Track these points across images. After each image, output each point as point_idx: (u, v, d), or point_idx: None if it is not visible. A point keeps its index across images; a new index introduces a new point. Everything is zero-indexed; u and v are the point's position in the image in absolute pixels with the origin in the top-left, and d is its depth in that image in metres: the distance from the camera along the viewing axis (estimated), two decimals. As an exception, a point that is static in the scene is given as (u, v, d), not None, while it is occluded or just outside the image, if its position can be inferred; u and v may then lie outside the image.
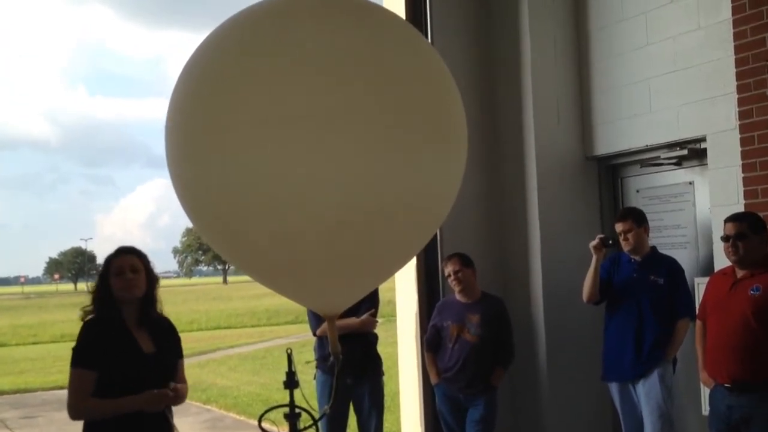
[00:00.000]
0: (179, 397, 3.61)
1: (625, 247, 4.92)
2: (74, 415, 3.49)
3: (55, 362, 19.31)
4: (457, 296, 5.27)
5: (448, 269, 5.25)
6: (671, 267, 4.91)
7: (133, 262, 3.56)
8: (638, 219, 4.94)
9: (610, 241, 5.01)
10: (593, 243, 4.99)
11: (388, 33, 2.58)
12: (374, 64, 2.39)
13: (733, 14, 4.67)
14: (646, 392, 4.80)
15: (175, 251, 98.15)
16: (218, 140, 2.38)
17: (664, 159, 5.33)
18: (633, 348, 4.85)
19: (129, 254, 3.60)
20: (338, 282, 2.70)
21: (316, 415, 3.21)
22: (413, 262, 5.84)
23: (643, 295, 4.86)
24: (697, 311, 4.56)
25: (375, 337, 5.34)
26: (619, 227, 4.94)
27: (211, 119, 2.40)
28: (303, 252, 2.50)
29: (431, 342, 5.35)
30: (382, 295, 5.38)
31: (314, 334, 5.18)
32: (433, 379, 5.36)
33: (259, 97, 2.31)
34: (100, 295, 3.57)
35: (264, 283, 2.94)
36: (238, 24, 2.55)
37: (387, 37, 2.55)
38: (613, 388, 5.02)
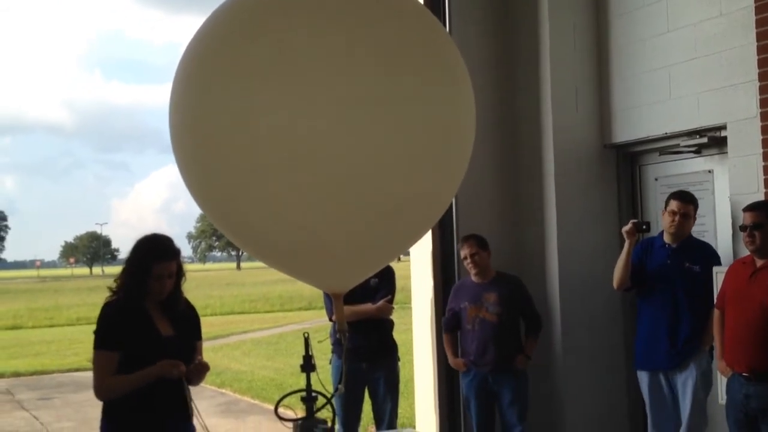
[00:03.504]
0: (203, 369, 3.64)
1: (671, 228, 4.80)
2: (100, 395, 3.54)
3: (71, 345, 19.50)
4: (473, 278, 5.28)
5: (465, 251, 5.26)
6: (707, 253, 4.82)
7: (171, 269, 3.58)
8: (697, 206, 4.86)
9: (644, 227, 4.96)
10: (626, 228, 4.92)
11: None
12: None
13: (755, 1, 4.61)
14: (683, 383, 4.73)
15: (190, 237, 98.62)
16: (220, 105, 2.38)
17: (684, 147, 5.29)
18: (667, 338, 4.77)
19: (170, 261, 3.58)
20: (347, 259, 2.70)
21: (333, 401, 3.24)
22: (428, 248, 5.86)
23: (678, 283, 4.77)
24: (715, 300, 4.53)
25: (391, 323, 5.36)
26: (678, 206, 4.79)
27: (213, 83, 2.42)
28: (310, 228, 2.50)
29: (449, 324, 5.37)
30: (397, 283, 5.40)
31: (330, 319, 5.20)
32: (451, 361, 5.38)
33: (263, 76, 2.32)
34: (132, 286, 3.57)
35: (269, 262, 2.95)
36: None
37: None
38: (643, 377, 4.93)
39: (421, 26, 2.63)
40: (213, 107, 2.42)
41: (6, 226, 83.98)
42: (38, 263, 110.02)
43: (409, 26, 2.56)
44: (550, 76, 5.67)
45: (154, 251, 3.57)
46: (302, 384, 3.17)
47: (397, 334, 5.44)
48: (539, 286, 5.54)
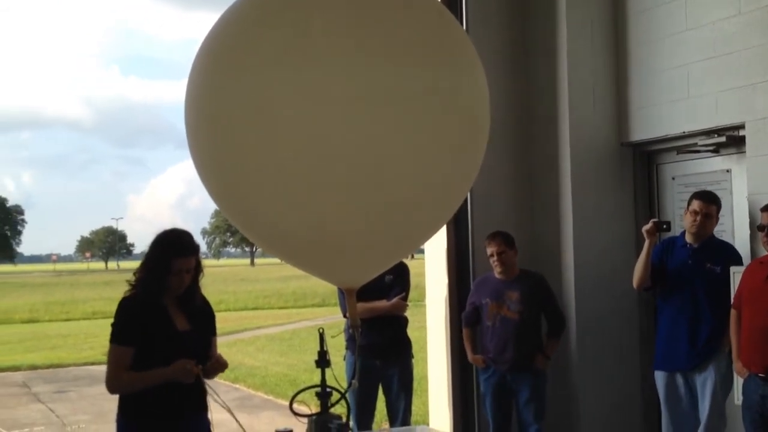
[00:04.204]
0: (222, 367, 3.68)
1: (692, 228, 4.75)
2: (111, 389, 3.55)
3: (86, 339, 19.64)
4: (497, 275, 5.26)
5: (491, 249, 5.23)
6: (729, 254, 4.76)
7: (191, 264, 3.59)
8: (720, 207, 4.81)
9: (664, 226, 4.92)
10: (646, 227, 4.88)
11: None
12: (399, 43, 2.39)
13: (775, -1, 4.58)
14: (702, 384, 4.69)
15: (204, 232, 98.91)
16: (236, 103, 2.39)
17: (702, 146, 5.25)
18: (687, 338, 4.72)
19: (190, 256, 3.58)
20: (360, 254, 2.71)
21: (347, 396, 3.24)
22: (443, 244, 5.85)
23: (698, 284, 4.72)
24: (732, 300, 4.50)
25: (405, 320, 5.36)
26: (700, 206, 4.74)
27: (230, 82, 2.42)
28: (324, 223, 2.51)
29: (469, 318, 5.37)
30: (411, 280, 5.40)
31: (344, 315, 5.19)
32: (470, 356, 5.38)
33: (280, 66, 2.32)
34: (150, 280, 3.58)
35: (283, 257, 2.96)
36: None
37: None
38: (660, 377, 4.89)
39: (435, 20, 2.63)
40: (228, 102, 2.44)
41: (23, 221, 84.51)
42: (54, 257, 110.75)
43: (423, 20, 2.56)
44: (567, 73, 5.64)
45: (175, 246, 3.57)
46: (316, 380, 3.18)
47: (410, 332, 5.43)
48: (554, 285, 5.51)
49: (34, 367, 15.64)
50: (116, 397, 3.61)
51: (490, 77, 2.73)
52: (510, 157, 5.86)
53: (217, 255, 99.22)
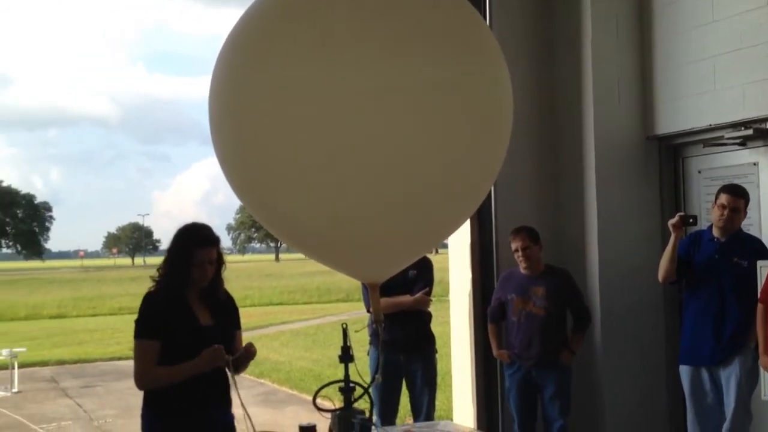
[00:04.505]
0: (251, 355, 3.67)
1: (720, 222, 4.70)
2: (141, 384, 3.56)
3: (113, 334, 19.86)
4: (522, 270, 5.24)
5: (516, 244, 5.20)
6: (756, 248, 4.70)
7: (213, 255, 3.60)
8: (748, 200, 4.76)
9: (691, 220, 4.87)
10: (672, 221, 4.83)
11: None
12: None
13: (804, -11, 4.51)
14: (727, 379, 4.64)
15: (229, 228, 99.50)
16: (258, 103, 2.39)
17: (728, 139, 5.19)
18: (712, 333, 4.68)
19: (211, 247, 3.61)
20: (384, 249, 2.70)
21: (370, 391, 3.25)
22: (467, 239, 5.84)
23: (725, 278, 4.68)
24: (759, 294, 4.44)
25: (429, 316, 5.36)
26: (728, 200, 4.68)
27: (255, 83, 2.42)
28: (347, 219, 2.51)
29: (494, 314, 5.35)
30: (435, 275, 5.39)
31: (367, 310, 5.20)
32: (495, 351, 5.36)
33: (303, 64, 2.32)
34: (174, 274, 3.60)
35: (307, 252, 2.96)
36: None
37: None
38: (685, 371, 4.85)
39: (457, 13, 2.62)
40: (251, 97, 2.44)
41: (51, 217, 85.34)
42: (82, 253, 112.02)
43: (446, 13, 2.55)
44: (592, 66, 5.60)
45: (195, 238, 3.60)
46: (340, 375, 3.18)
47: (434, 327, 5.43)
48: (579, 279, 5.48)
49: (61, 362, 15.83)
50: (142, 392, 3.62)
51: (513, 71, 2.72)
52: (534, 151, 5.83)
53: (242, 250, 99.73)
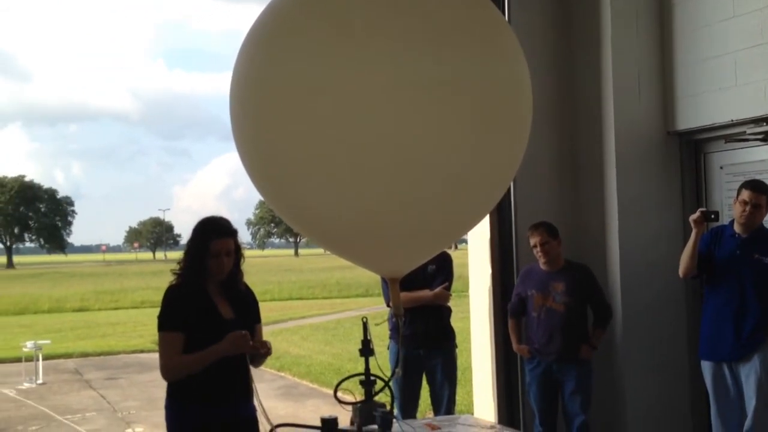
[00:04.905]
0: (268, 352, 3.70)
1: (741, 218, 4.68)
2: (167, 375, 3.60)
3: (135, 327, 20.06)
4: (542, 266, 5.25)
5: (534, 240, 5.20)
6: None
7: (230, 246, 3.64)
8: None
9: (712, 216, 4.85)
10: (694, 216, 4.80)
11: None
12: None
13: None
14: (746, 376, 4.63)
15: (249, 223, 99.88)
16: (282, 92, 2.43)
17: (750, 134, 5.16)
18: (732, 329, 4.67)
19: (227, 238, 3.65)
20: (403, 244, 2.73)
21: (391, 384, 3.28)
22: (486, 235, 5.85)
23: (746, 274, 4.66)
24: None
25: (448, 310, 5.38)
26: (750, 196, 4.65)
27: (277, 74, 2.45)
28: (367, 213, 2.55)
29: (515, 309, 5.36)
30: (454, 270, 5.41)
31: (387, 304, 5.24)
32: (515, 347, 5.38)
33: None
34: (192, 266, 3.64)
35: (327, 246, 2.98)
36: None
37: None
38: (706, 367, 4.84)
39: (476, 8, 2.64)
40: (272, 93, 2.46)
41: (73, 211, 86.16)
42: (104, 247, 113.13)
43: (464, 8, 2.57)
44: (611, 61, 5.58)
45: (211, 230, 3.65)
46: (360, 369, 3.22)
47: (453, 322, 5.44)
48: (600, 274, 5.48)
49: (85, 355, 16.02)
50: (165, 384, 3.66)
51: (531, 67, 2.73)
52: (553, 147, 5.82)
53: (262, 245, 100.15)
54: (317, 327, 19.78)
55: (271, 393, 10.13)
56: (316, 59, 2.38)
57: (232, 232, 3.69)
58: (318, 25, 2.42)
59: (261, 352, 3.65)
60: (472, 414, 6.02)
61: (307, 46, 2.41)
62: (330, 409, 3.45)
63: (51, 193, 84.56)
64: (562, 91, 5.89)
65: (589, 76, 5.77)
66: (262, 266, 45.98)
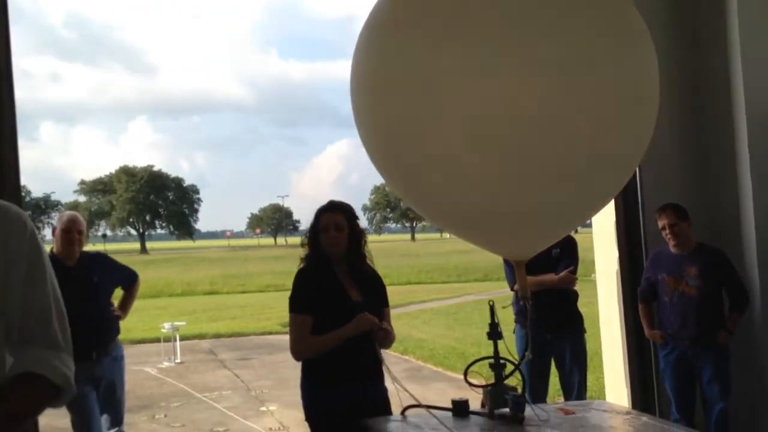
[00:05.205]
0: (390, 337, 3.79)
1: None
2: (297, 355, 3.75)
3: (263, 310, 20.77)
4: (672, 249, 5.13)
5: (662, 222, 5.09)
6: None
7: (338, 220, 3.75)
8: None
9: None
10: None
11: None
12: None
13: None
14: None
15: (365, 209, 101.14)
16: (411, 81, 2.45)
17: None
18: None
19: (335, 212, 3.78)
20: (531, 225, 2.73)
21: (521, 369, 3.30)
22: (612, 218, 5.74)
23: None
24: None
25: (575, 295, 5.34)
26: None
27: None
28: (496, 196, 2.55)
29: (645, 294, 5.27)
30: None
31: (511, 288, 5.24)
32: (647, 332, 5.27)
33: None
34: (311, 246, 3.82)
35: (452, 229, 3.01)
36: None
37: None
38: None
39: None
40: (397, 79, 2.48)
41: (199, 199, 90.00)
42: (228, 233, 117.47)
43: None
44: (738, 33, 5.32)
45: (321, 208, 3.83)
46: (484, 353, 3.25)
47: (579, 307, 5.39)
48: (735, 258, 5.27)
49: (218, 336, 16.77)
50: (296, 364, 3.82)
51: (655, 45, 2.69)
52: (679, 127, 5.62)
53: (378, 230, 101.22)
54: (438, 311, 19.89)
55: (398, 375, 10.21)
56: (439, 41, 2.38)
57: (339, 206, 3.81)
58: (439, 6, 2.41)
59: (388, 329, 3.75)
60: (605, 400, 5.95)
61: (428, 28, 2.41)
62: (455, 392, 3.50)
63: (178, 182, 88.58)
64: (688, 69, 5.68)
65: (714, 52, 5.53)
66: (379, 251, 46.28)
